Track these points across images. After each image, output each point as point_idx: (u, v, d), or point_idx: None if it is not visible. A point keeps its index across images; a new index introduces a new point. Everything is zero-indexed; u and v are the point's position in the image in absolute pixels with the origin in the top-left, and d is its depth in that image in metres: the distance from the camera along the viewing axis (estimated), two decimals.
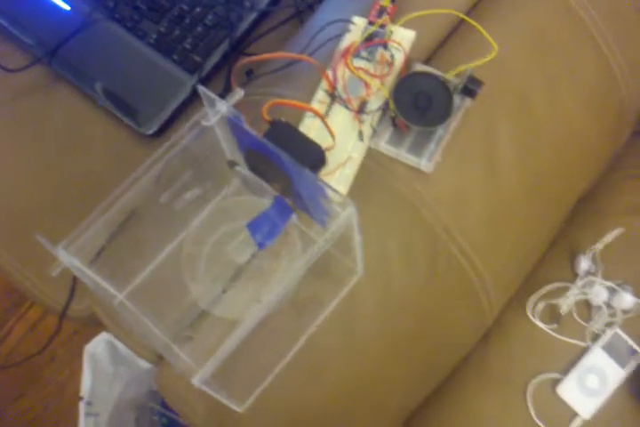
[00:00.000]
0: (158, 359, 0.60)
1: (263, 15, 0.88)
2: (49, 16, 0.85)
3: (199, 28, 0.85)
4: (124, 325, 0.60)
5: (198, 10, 0.85)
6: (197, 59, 0.84)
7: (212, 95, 0.49)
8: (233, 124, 0.50)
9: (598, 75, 0.70)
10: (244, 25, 0.86)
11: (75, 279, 0.73)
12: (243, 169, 0.52)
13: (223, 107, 0.49)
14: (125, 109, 0.82)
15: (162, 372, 0.59)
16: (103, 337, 0.89)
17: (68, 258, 0.44)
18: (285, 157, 0.47)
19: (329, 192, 0.47)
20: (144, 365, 0.85)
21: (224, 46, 0.85)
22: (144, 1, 0.86)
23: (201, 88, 0.50)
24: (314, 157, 0.52)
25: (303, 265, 0.43)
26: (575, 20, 0.70)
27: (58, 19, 0.84)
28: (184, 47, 0.85)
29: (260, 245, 0.48)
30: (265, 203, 0.50)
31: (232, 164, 0.52)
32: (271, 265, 0.54)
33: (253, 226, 0.48)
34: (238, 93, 0.51)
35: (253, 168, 0.52)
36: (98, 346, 0.88)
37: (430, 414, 0.72)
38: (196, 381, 0.40)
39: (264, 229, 0.48)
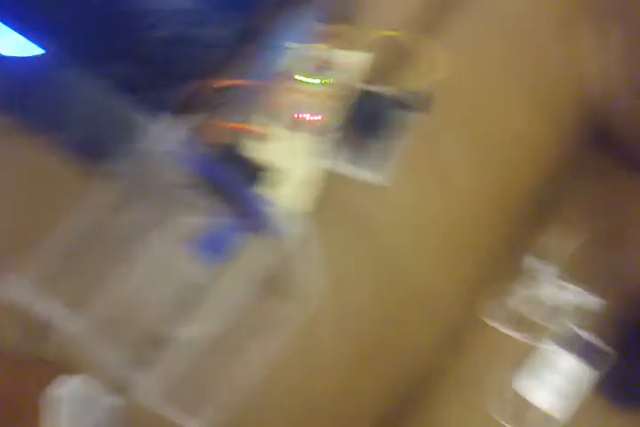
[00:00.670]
0: (123, 389, 0.61)
1: (227, 51, 0.90)
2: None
3: (162, 68, 0.86)
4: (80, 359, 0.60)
5: (163, 48, 0.86)
6: (160, 97, 0.85)
7: (153, 119, 0.51)
8: (182, 148, 0.53)
9: (548, 84, 0.73)
10: (209, 62, 0.87)
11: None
12: (188, 189, 0.54)
13: (172, 132, 0.52)
14: (86, 150, 0.81)
15: (127, 400, 0.59)
16: (71, 379, 0.88)
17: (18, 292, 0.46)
18: (229, 175, 0.49)
19: (278, 209, 0.49)
20: (108, 403, 0.85)
21: (190, 84, 0.86)
22: (107, 42, 0.87)
23: (142, 114, 0.52)
24: (259, 175, 0.54)
25: (250, 280, 0.45)
26: (524, 37, 0.73)
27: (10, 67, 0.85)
28: (147, 87, 0.86)
29: (207, 262, 0.50)
30: (213, 223, 0.51)
31: (179, 186, 0.54)
32: (221, 284, 0.55)
33: (201, 244, 0.50)
34: (187, 120, 0.53)
35: (200, 190, 0.54)
36: (63, 387, 0.87)
37: (397, 421, 0.73)
38: (142, 395, 0.41)
39: (211, 246, 0.50)
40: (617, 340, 0.73)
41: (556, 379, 0.72)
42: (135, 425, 0.57)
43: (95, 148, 0.82)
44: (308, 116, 0.66)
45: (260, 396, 0.58)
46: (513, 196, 0.75)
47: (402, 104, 0.64)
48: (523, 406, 0.72)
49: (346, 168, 0.64)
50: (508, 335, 0.75)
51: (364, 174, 0.63)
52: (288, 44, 0.72)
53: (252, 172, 0.56)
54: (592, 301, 0.73)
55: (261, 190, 0.48)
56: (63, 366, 0.64)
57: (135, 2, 0.88)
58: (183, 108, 0.65)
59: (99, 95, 0.85)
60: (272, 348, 0.58)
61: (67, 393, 0.85)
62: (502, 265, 0.79)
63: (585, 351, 0.73)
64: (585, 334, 0.73)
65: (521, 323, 0.75)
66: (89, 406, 0.84)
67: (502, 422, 0.71)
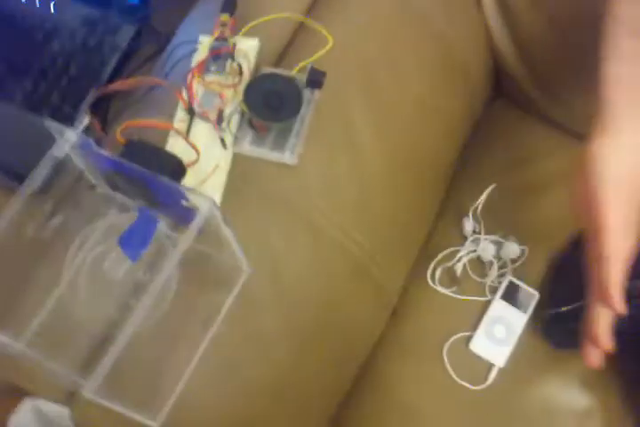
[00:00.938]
0: (70, 398, 0.61)
1: (127, 55, 0.90)
2: None
3: (64, 80, 0.86)
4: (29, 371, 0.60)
5: (60, 62, 0.86)
6: (68, 110, 0.85)
7: (58, 126, 0.51)
8: (87, 150, 0.53)
9: (434, 47, 0.76)
10: (109, 68, 0.87)
11: None
12: (103, 190, 0.54)
13: (72, 135, 0.52)
14: (7, 173, 0.81)
15: (74, 407, 0.59)
16: (28, 404, 0.86)
17: None
18: (141, 170, 0.49)
19: (187, 193, 0.49)
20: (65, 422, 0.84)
21: (93, 92, 0.86)
22: (3, 63, 0.86)
23: (47, 122, 0.52)
24: (171, 166, 0.55)
25: (171, 265, 0.45)
26: (402, 3, 0.75)
27: None
28: (52, 101, 0.85)
29: (133, 258, 0.50)
30: (132, 218, 0.52)
31: (92, 187, 0.54)
32: (149, 276, 0.56)
33: (123, 241, 0.50)
34: (85, 120, 0.53)
35: (116, 188, 0.55)
36: (24, 415, 0.86)
37: (355, 403, 0.74)
38: (86, 391, 0.41)
39: (134, 242, 0.50)
40: (541, 282, 0.76)
41: (499, 329, 0.74)
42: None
43: (14, 165, 0.81)
44: (212, 106, 0.66)
45: (204, 379, 0.58)
46: (427, 161, 0.78)
47: (298, 83, 0.65)
48: (478, 362, 0.74)
49: (254, 151, 0.65)
50: (452, 296, 0.77)
51: (273, 155, 0.65)
52: (190, 38, 0.72)
53: (165, 164, 0.56)
54: (515, 249, 0.76)
55: (176, 181, 0.48)
56: (24, 391, 0.63)
57: (27, 18, 0.88)
58: (92, 111, 0.65)
59: (11, 111, 0.84)
60: (211, 334, 0.58)
61: (23, 419, 0.84)
62: (437, 230, 0.81)
63: (516, 297, 0.76)
64: (514, 281, 0.76)
65: (463, 282, 0.77)
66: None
67: (458, 380, 0.73)
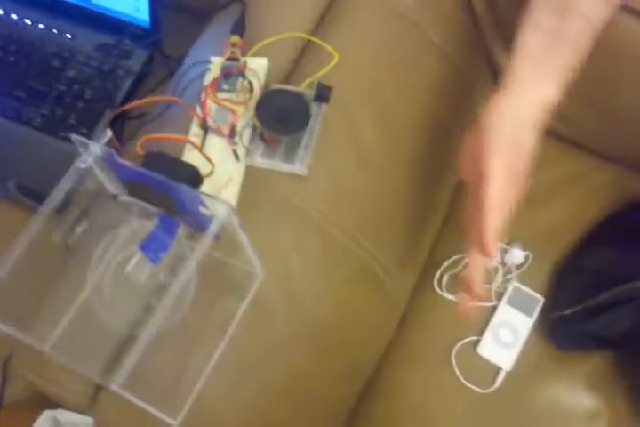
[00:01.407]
0: (92, 403, 0.63)
1: (140, 78, 0.94)
2: None
3: (80, 104, 0.89)
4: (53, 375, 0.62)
5: (76, 87, 0.90)
6: (84, 131, 0.89)
7: (84, 140, 0.55)
8: (109, 161, 0.56)
9: (437, 63, 0.79)
10: (123, 91, 0.91)
11: (5, 364, 0.74)
12: (124, 198, 0.57)
13: (95, 147, 0.55)
14: (31, 196, 0.85)
15: (97, 411, 0.61)
16: (47, 415, 0.88)
17: None
18: (161, 178, 0.52)
19: (206, 200, 0.52)
20: None
21: (108, 115, 0.90)
22: (22, 89, 0.90)
23: (73, 136, 0.55)
24: (189, 175, 0.58)
25: (190, 269, 0.48)
26: (403, 19, 0.78)
27: None
28: (70, 124, 0.89)
29: (154, 261, 0.53)
30: (152, 224, 0.54)
31: (114, 196, 0.57)
32: (169, 279, 0.58)
33: (145, 245, 0.53)
34: (107, 134, 0.56)
35: (136, 197, 0.58)
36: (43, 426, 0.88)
37: (367, 406, 0.76)
38: (113, 385, 0.43)
39: (155, 246, 0.53)
40: (545, 287, 0.78)
41: (506, 333, 0.76)
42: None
43: (34, 186, 0.84)
44: (225, 121, 0.70)
45: (222, 381, 0.60)
46: (429, 169, 0.80)
47: (306, 98, 0.68)
48: (485, 366, 0.76)
49: (266, 163, 0.68)
50: (455, 301, 0.79)
51: (284, 166, 0.68)
52: (202, 59, 0.75)
53: (184, 174, 0.59)
54: (519, 254, 0.78)
55: (193, 191, 0.51)
56: (45, 399, 0.65)
57: (45, 45, 0.92)
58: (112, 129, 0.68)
59: (30, 134, 0.88)
60: (228, 337, 0.61)
61: None
62: (443, 238, 0.83)
63: (521, 301, 0.78)
64: (519, 286, 0.78)
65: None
66: None
67: (466, 384, 0.75)
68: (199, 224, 0.57)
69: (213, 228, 0.50)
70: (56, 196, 0.54)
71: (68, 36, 0.93)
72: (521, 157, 0.58)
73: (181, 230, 0.57)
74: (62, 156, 0.85)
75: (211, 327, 0.61)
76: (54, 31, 0.93)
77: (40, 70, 0.91)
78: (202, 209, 0.54)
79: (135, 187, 0.57)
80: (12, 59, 0.91)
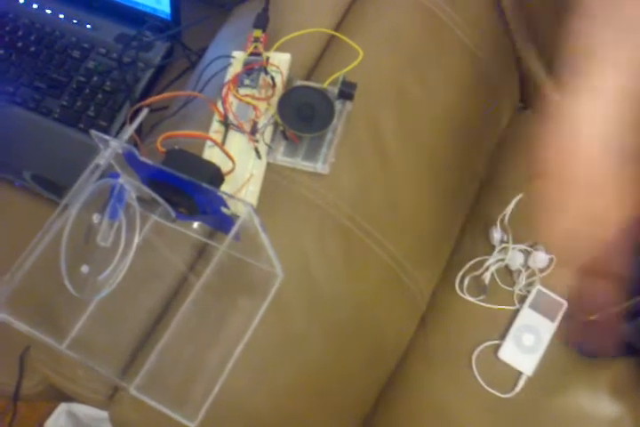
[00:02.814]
0: (109, 401, 0.62)
1: (160, 71, 0.93)
2: None
3: (100, 95, 0.89)
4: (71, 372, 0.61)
5: (95, 79, 0.89)
6: (103, 123, 0.88)
7: (104, 136, 0.54)
8: (129, 158, 0.55)
9: (462, 60, 0.77)
10: (142, 84, 0.90)
11: (22, 357, 0.74)
12: (145, 196, 0.56)
13: (116, 144, 0.54)
14: (47, 186, 0.84)
15: (114, 410, 0.61)
16: (62, 408, 0.89)
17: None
18: (182, 177, 0.51)
19: (227, 199, 0.51)
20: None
21: (127, 107, 0.89)
22: (42, 80, 0.90)
23: (93, 132, 0.54)
24: (210, 174, 0.56)
25: (211, 269, 0.47)
26: (431, 16, 0.77)
27: None
28: (88, 115, 0.88)
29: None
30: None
31: (141, 193, 0.56)
32: (191, 278, 0.57)
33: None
34: (129, 130, 0.55)
35: (160, 194, 0.57)
36: (58, 419, 0.88)
37: (387, 406, 0.75)
38: (132, 390, 0.43)
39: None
40: (569, 291, 0.77)
41: (528, 338, 0.75)
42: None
43: (51, 177, 0.84)
44: (247, 118, 0.68)
45: (239, 382, 0.60)
46: (455, 172, 0.79)
47: (329, 95, 0.67)
48: (506, 370, 0.75)
49: (287, 160, 0.67)
50: (480, 305, 0.78)
51: (306, 165, 0.66)
52: (223, 53, 0.74)
53: (205, 172, 0.58)
54: (543, 257, 0.77)
55: (216, 191, 0.50)
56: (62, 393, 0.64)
57: (65, 36, 0.91)
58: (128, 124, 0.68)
59: (49, 125, 0.88)
60: (248, 337, 0.60)
61: (66, 421, 0.86)
62: (465, 240, 0.82)
63: (544, 305, 0.76)
64: (543, 290, 0.77)
65: (492, 291, 0.78)
66: None
67: (487, 388, 0.74)
68: (221, 224, 0.56)
69: (235, 229, 0.49)
70: (76, 192, 0.53)
71: (89, 26, 0.92)
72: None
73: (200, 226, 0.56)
74: (81, 148, 0.86)
75: (231, 326, 0.60)
76: (74, 22, 0.92)
77: (60, 61, 0.90)
78: (223, 208, 0.53)
79: (156, 187, 0.56)
80: (32, 49, 0.90)
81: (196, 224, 0.64)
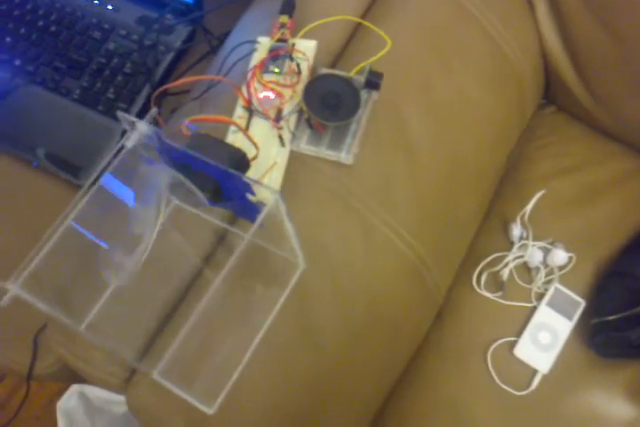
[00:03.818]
0: (125, 384, 0.62)
1: (180, 54, 0.92)
2: None
3: (119, 77, 0.88)
4: (87, 354, 0.61)
5: (116, 60, 0.88)
6: (122, 106, 0.87)
7: (130, 117, 0.53)
8: (155, 142, 0.54)
9: (489, 53, 0.76)
10: (163, 67, 0.89)
11: (36, 338, 0.73)
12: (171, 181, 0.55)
13: (142, 125, 0.53)
14: (62, 166, 0.84)
15: (131, 393, 0.60)
16: (74, 389, 0.88)
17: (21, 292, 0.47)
18: (209, 161, 0.51)
19: (254, 187, 0.50)
20: (119, 410, 0.86)
21: (146, 90, 0.88)
22: (63, 60, 0.89)
23: (119, 113, 0.53)
24: (236, 159, 0.56)
25: (234, 259, 0.46)
26: (460, 8, 0.76)
27: None
28: (108, 97, 0.87)
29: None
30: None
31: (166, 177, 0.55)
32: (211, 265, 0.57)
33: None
34: (154, 112, 0.54)
35: (185, 179, 0.56)
36: (70, 400, 0.88)
37: (400, 399, 0.74)
38: (155, 375, 0.42)
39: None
40: (587, 290, 0.76)
41: (544, 336, 0.74)
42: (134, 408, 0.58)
43: (71, 158, 0.84)
44: (271, 104, 0.68)
45: (257, 370, 0.59)
46: (480, 166, 0.78)
47: (356, 84, 0.66)
48: (521, 368, 0.74)
49: (311, 149, 0.66)
50: (497, 301, 0.77)
51: (330, 154, 0.65)
52: (247, 38, 0.73)
53: (231, 157, 0.57)
54: (562, 255, 0.76)
55: (242, 177, 0.49)
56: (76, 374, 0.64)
57: (86, 17, 0.90)
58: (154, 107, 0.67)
59: (68, 106, 0.87)
60: (267, 326, 0.59)
61: (78, 402, 0.86)
62: (483, 236, 0.81)
63: (562, 304, 0.76)
64: (561, 288, 0.76)
65: (509, 288, 0.78)
66: (100, 412, 0.84)
67: (502, 385, 0.73)
68: (246, 211, 0.55)
69: (262, 217, 0.49)
70: (102, 174, 0.52)
71: (110, 7, 0.91)
72: None
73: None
74: (97, 129, 0.86)
75: (250, 315, 0.59)
76: (96, 2, 0.91)
77: (80, 42, 0.89)
78: (248, 195, 0.53)
79: (181, 171, 0.55)
80: (52, 29, 0.89)
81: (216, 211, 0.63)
